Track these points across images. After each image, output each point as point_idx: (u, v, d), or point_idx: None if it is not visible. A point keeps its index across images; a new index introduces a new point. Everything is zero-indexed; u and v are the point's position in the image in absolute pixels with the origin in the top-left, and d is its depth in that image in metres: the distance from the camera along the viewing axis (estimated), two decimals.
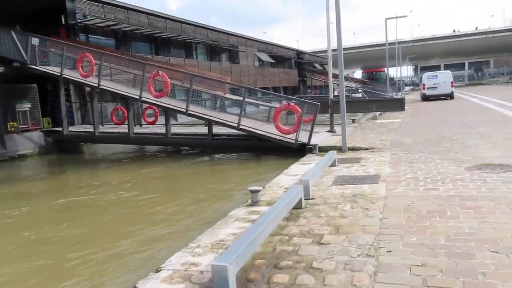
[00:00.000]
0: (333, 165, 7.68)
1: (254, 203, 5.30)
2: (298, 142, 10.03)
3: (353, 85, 59.11)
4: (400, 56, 49.59)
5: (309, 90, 53.48)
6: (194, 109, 11.59)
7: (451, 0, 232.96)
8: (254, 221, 4.40)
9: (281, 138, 10.27)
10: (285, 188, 6.24)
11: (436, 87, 27.39)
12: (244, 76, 34.77)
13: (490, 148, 8.11)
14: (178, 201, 8.44)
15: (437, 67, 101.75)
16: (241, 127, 10.67)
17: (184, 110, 11.42)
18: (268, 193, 6.05)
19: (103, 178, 11.14)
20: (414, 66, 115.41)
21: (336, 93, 52.99)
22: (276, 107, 10.69)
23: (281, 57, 45.67)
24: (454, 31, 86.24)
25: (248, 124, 11.16)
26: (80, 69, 13.22)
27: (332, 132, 12.56)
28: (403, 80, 71.96)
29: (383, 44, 30.40)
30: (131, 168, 12.05)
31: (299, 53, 54.02)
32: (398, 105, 12.55)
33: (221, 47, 31.88)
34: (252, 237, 3.52)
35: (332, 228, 4.12)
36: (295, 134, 10.02)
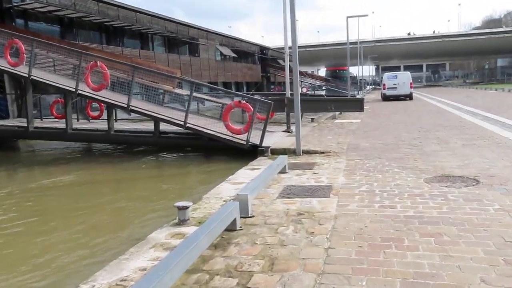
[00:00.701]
0: (283, 171, 6.93)
1: (182, 222, 4.44)
2: (250, 144, 9.23)
3: (318, 82, 59.34)
4: (362, 56, 49.96)
5: (272, 86, 52.98)
6: (137, 104, 10.53)
7: (411, 4, 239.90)
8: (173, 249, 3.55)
9: (230, 138, 9.44)
10: (224, 201, 5.43)
11: (396, 88, 27.44)
12: (204, 70, 33.64)
13: (449, 155, 7.62)
14: (85, 217, 6.89)
15: (397, 68, 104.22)
16: (187, 125, 9.74)
17: (125, 105, 10.33)
18: (203, 207, 5.22)
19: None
20: (375, 66, 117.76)
21: (305, 91, 52.91)
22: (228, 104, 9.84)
23: (244, 52, 44.80)
24: (409, 34, 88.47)
25: (197, 122, 10.24)
26: (8, 57, 11.80)
27: (288, 132, 11.85)
28: (365, 79, 73.05)
29: (346, 43, 30.23)
30: (55, 172, 10.61)
31: (262, 49, 53.34)
32: (358, 105, 12.03)
33: (180, 39, 30.56)
34: (160, 277, 2.68)
35: (266, 263, 3.33)
36: (246, 134, 9.21)
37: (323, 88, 59.02)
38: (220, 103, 11.38)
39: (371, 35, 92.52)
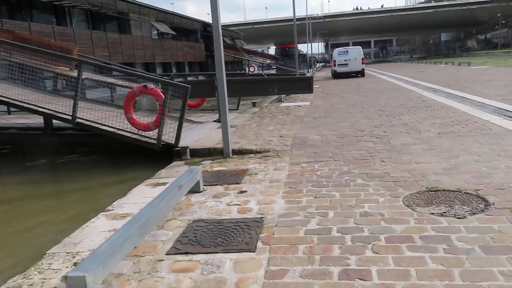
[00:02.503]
0: (195, 190, 4.63)
1: None
2: (162, 143, 6.80)
3: (268, 61, 56.92)
4: (311, 32, 48.15)
5: None
6: (9, 92, 7.69)
7: None
8: None
9: (136, 137, 6.96)
10: (75, 264, 3.11)
11: (347, 64, 25.74)
12: (138, 49, 30.26)
13: (427, 152, 5.62)
14: None
15: (346, 45, 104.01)
16: (77, 120, 7.15)
17: None
18: (37, 280, 2.85)
19: None
20: (325, 43, 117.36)
21: (252, 70, 50.51)
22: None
23: (185, 29, 41.44)
24: (356, 8, 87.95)
25: (97, 115, 7.62)
26: None
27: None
28: (315, 57, 71.71)
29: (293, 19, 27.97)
30: None
31: (206, 26, 50.06)
32: (305, 86, 9.89)
33: (105, 14, 26.94)
34: None
35: None
36: (157, 130, 6.77)
37: (273, 67, 56.83)
38: (129, 87, 8.76)
39: (320, 11, 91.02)
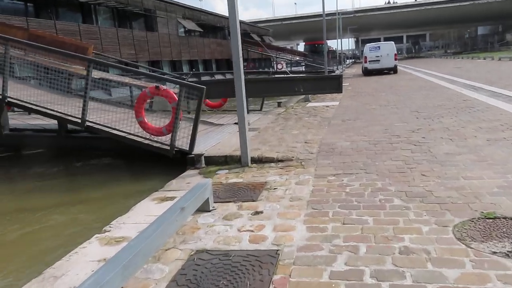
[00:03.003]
0: (204, 209, 4.02)
1: None
2: (176, 149, 6.24)
3: (297, 58, 55.95)
4: (341, 27, 46.88)
5: (245, 64, 49.57)
6: (22, 94, 7.32)
7: None
8: None
9: (148, 142, 6.42)
10: None
11: (378, 60, 24.58)
12: (164, 47, 29.99)
13: (475, 163, 4.80)
14: None
15: (377, 40, 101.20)
16: (87, 124, 6.68)
17: None
18: None
19: None
20: (355, 39, 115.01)
21: (280, 67, 49.74)
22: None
23: (213, 26, 41.04)
24: (388, 2, 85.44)
25: (109, 118, 7.14)
26: None
27: None
28: (344, 53, 70.12)
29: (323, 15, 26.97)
30: None
31: None
32: (334, 85, 9.12)
33: (131, 11, 26.75)
34: None
35: None
36: (171, 135, 6.21)
37: (302, 64, 55.80)
38: (144, 87, 8.17)
39: (351, 6, 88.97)
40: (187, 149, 6.21)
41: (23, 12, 19.30)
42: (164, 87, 6.25)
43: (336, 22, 45.88)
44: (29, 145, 8.92)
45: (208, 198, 4.03)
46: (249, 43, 51.28)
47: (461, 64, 31.00)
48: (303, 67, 55.01)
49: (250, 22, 63.70)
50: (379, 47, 25.24)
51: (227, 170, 5.62)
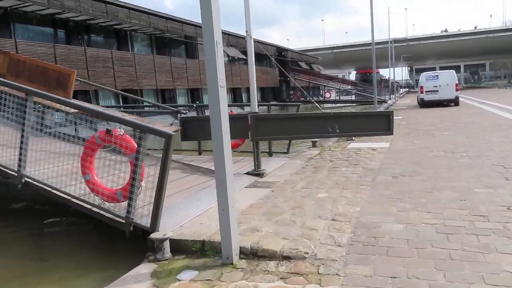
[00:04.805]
0: None
1: None
2: (133, 222, 4.15)
3: (348, 86, 53.33)
4: (393, 56, 44.04)
5: (291, 92, 47.67)
6: None
7: (448, 1, 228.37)
8: None
9: (98, 210, 4.40)
10: None
11: (437, 91, 21.67)
12: (205, 74, 28.61)
13: None
14: None
15: (432, 69, 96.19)
16: (25, 179, 4.79)
17: None
18: None
19: None
20: (409, 68, 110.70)
21: (328, 96, 47.31)
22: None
23: (258, 54, 39.67)
24: (445, 30, 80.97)
25: (60, 166, 5.17)
26: None
27: (258, 175, 6.69)
28: (397, 82, 66.60)
29: (376, 43, 24.52)
30: None
31: (281, 50, 48.16)
32: (382, 125, 6.74)
33: (171, 38, 25.72)
34: None
35: None
36: (127, 202, 4.16)
37: (353, 92, 53.05)
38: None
39: (404, 34, 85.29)
40: (148, 225, 4.09)
41: (51, 38, 18.56)
42: (121, 131, 4.23)
43: (389, 50, 43.18)
44: None
45: None
46: (296, 71, 49.55)
47: None
48: (354, 96, 52.24)
49: (300, 50, 62.20)
50: (437, 76, 22.36)
51: (197, 272, 3.43)
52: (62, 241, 5.34)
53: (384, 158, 7.61)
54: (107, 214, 4.37)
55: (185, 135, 7.40)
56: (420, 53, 69.59)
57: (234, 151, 8.85)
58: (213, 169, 7.37)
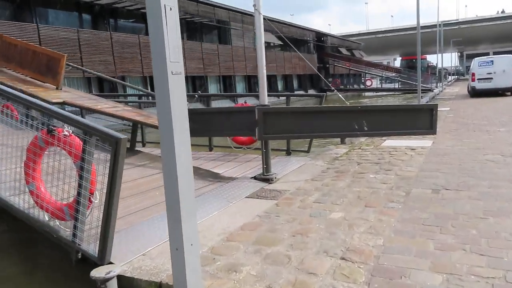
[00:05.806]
0: None
1: None
2: (80, 249, 3.20)
3: (393, 73, 50.63)
4: (442, 41, 40.95)
5: (330, 80, 45.76)
6: None
7: None
8: None
9: (46, 227, 3.45)
10: None
11: (491, 78, 19.49)
12: (238, 61, 27.64)
13: None
14: None
15: (485, 55, 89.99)
16: None
17: None
18: None
19: None
20: (459, 54, 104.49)
21: (369, 84, 45.03)
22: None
23: (295, 39, 38.09)
24: (503, 11, 75.03)
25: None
26: None
27: (268, 180, 5.57)
28: (446, 69, 62.64)
29: (423, 26, 22.33)
30: None
31: (320, 35, 46.21)
32: (423, 121, 5.42)
33: (202, 23, 24.78)
34: None
35: None
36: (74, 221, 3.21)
37: (397, 80, 50.21)
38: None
39: (455, 16, 79.95)
40: (96, 254, 3.11)
41: (76, 23, 18.10)
42: (68, 130, 3.25)
43: (437, 34, 40.18)
44: None
45: None
46: (335, 57, 47.54)
47: None
48: (398, 83, 49.49)
49: (341, 36, 59.73)
50: (492, 61, 20.12)
51: None
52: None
53: (424, 162, 6.25)
54: (57, 234, 3.43)
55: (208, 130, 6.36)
56: (472, 37, 65.05)
57: (249, 148, 7.80)
58: (216, 171, 6.31)
